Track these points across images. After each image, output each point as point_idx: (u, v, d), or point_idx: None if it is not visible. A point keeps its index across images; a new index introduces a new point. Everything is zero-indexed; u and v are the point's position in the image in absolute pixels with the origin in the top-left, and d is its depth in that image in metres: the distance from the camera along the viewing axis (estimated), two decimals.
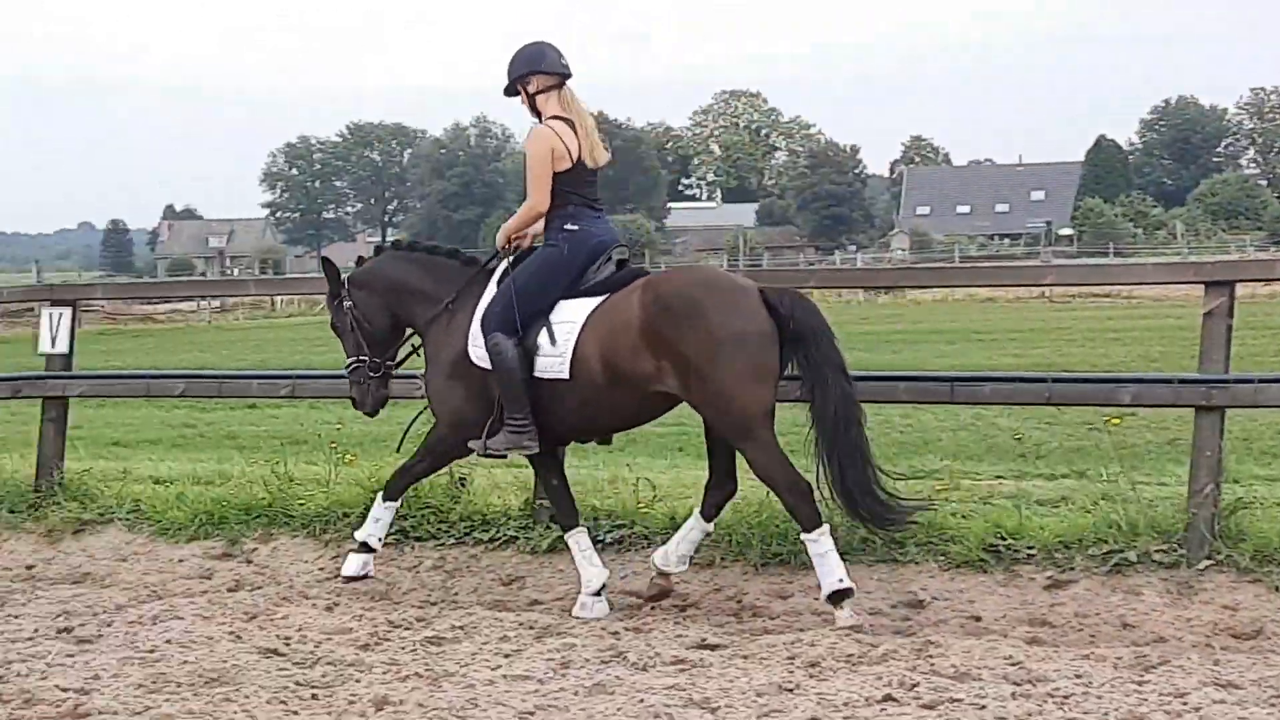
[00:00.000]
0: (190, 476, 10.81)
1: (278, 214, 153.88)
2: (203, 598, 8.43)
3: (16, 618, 7.99)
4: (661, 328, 7.67)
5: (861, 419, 7.70)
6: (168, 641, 7.38)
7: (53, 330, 10.16)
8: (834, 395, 7.63)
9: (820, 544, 7.60)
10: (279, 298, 54.51)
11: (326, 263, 8.93)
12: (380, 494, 8.53)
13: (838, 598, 7.55)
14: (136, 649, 7.27)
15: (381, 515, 8.47)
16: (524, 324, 8.00)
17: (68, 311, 10.12)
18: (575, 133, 8.17)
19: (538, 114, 8.30)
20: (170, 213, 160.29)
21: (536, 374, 7.98)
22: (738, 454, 7.92)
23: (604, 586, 8.13)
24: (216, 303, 53.75)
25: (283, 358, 30.07)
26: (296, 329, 45.45)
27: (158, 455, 12.83)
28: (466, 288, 8.35)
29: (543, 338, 7.98)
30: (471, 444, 8.20)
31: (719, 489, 8.10)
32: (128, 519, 9.58)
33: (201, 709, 6.29)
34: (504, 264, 8.30)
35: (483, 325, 8.08)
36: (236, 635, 7.51)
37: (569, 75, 8.31)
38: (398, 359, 8.70)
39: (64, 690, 6.55)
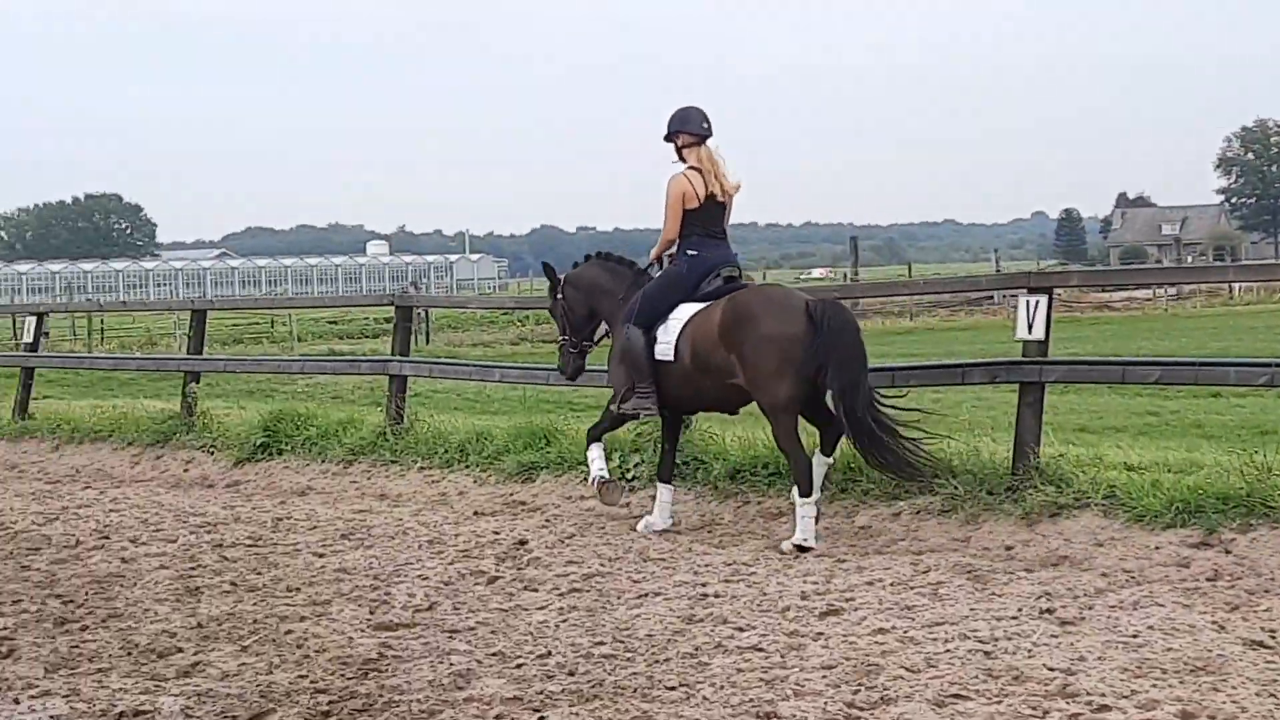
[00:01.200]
0: (1161, 464, 10.66)
1: (1233, 200, 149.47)
2: (1181, 586, 8.32)
3: (999, 596, 8.23)
4: (732, 330, 10.00)
5: (867, 397, 9.79)
6: (1149, 627, 7.33)
7: (1029, 316, 10.36)
8: (844, 377, 9.73)
9: (806, 509, 9.83)
10: (1237, 285, 52.88)
11: (547, 267, 11.58)
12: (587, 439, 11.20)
13: (800, 549, 9.69)
14: (1119, 633, 7.27)
15: (594, 455, 11.04)
16: (651, 321, 10.56)
17: (1044, 299, 10.31)
18: (704, 180, 10.56)
19: (683, 160, 10.67)
20: (1123, 200, 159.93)
21: (657, 357, 10.48)
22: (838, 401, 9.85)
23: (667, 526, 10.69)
24: (1173, 290, 53.03)
25: (1243, 346, 29.12)
26: (1255, 316, 43.91)
27: (1125, 442, 12.74)
28: (631, 290, 10.91)
29: (661, 330, 10.48)
30: (612, 406, 10.88)
31: (831, 429, 10.12)
32: (1103, 504, 9.59)
33: (1188, 697, 6.20)
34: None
35: (631, 319, 10.60)
36: (1219, 625, 7.35)
37: (709, 135, 10.70)
38: (594, 340, 11.44)
39: (1051, 669, 6.68)
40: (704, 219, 10.60)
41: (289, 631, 8.15)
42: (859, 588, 8.67)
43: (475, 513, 11.85)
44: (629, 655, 7.39)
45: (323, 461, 14.14)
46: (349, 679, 7.19)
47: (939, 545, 9.85)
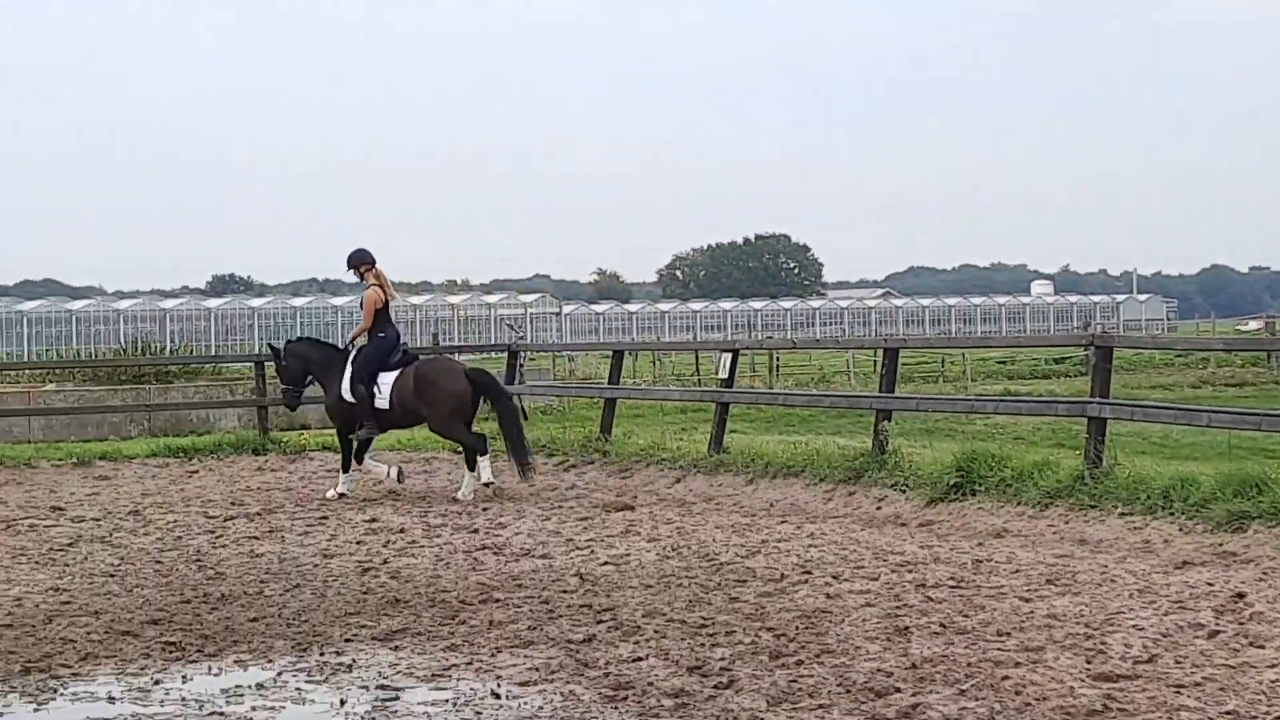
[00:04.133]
0: None
1: None
2: None
3: None
4: (420, 387, 17.33)
5: (517, 415, 18.07)
6: None
7: None
8: (503, 409, 17.59)
9: (485, 462, 17.19)
10: None
11: (271, 346, 19.50)
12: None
13: (486, 486, 17.22)
14: None
15: (342, 478, 17.74)
16: (366, 379, 17.46)
17: None
18: (384, 291, 17.65)
19: (363, 279, 17.84)
20: None
21: (376, 405, 17.45)
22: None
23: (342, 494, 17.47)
24: None
25: None
26: None
27: None
28: (337, 360, 17.94)
29: (376, 389, 17.46)
30: (352, 435, 17.66)
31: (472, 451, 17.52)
32: None
33: None
34: (353, 351, 17.88)
35: (352, 381, 17.52)
36: None
37: (375, 262, 17.78)
38: (304, 388, 18.59)
39: None
40: (385, 313, 17.73)
41: (1005, 677, 8.00)
42: None
43: (1183, 562, 11.30)
44: None
45: (1017, 504, 13.89)
46: None
47: None
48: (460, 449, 18.19)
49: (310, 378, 18.43)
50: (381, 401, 17.43)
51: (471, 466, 17.32)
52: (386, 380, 17.47)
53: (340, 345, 19.02)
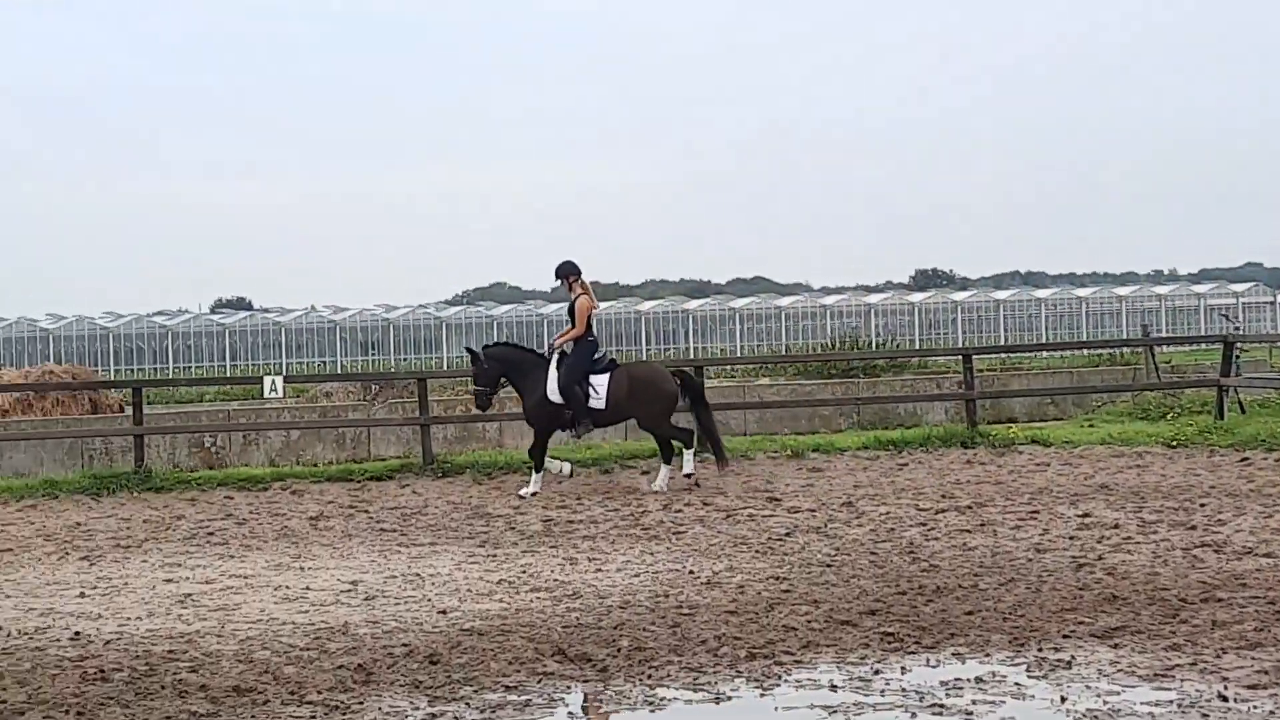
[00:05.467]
0: None
1: None
2: None
3: None
4: (635, 388, 18.91)
5: (710, 416, 19.34)
6: None
7: None
8: (700, 409, 19.19)
9: (688, 455, 18.62)
10: None
11: (470, 350, 20.63)
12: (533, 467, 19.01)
13: (688, 478, 18.51)
14: None
15: (535, 478, 18.75)
16: (579, 379, 18.79)
17: None
18: (592, 300, 19.25)
19: (571, 289, 19.32)
20: None
21: (590, 405, 18.80)
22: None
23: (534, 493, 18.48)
24: None
25: None
26: None
27: None
28: (536, 365, 19.21)
29: (591, 390, 18.79)
30: (567, 434, 19.59)
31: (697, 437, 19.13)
32: None
33: None
34: (556, 355, 19.14)
35: (565, 382, 18.71)
36: None
37: (581, 273, 19.33)
38: (497, 390, 19.82)
39: None
40: (591, 321, 19.04)
41: None
42: None
43: None
44: None
45: None
46: None
47: None
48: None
49: (504, 381, 19.57)
50: (597, 401, 18.75)
51: (668, 460, 18.69)
52: (600, 382, 18.77)
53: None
